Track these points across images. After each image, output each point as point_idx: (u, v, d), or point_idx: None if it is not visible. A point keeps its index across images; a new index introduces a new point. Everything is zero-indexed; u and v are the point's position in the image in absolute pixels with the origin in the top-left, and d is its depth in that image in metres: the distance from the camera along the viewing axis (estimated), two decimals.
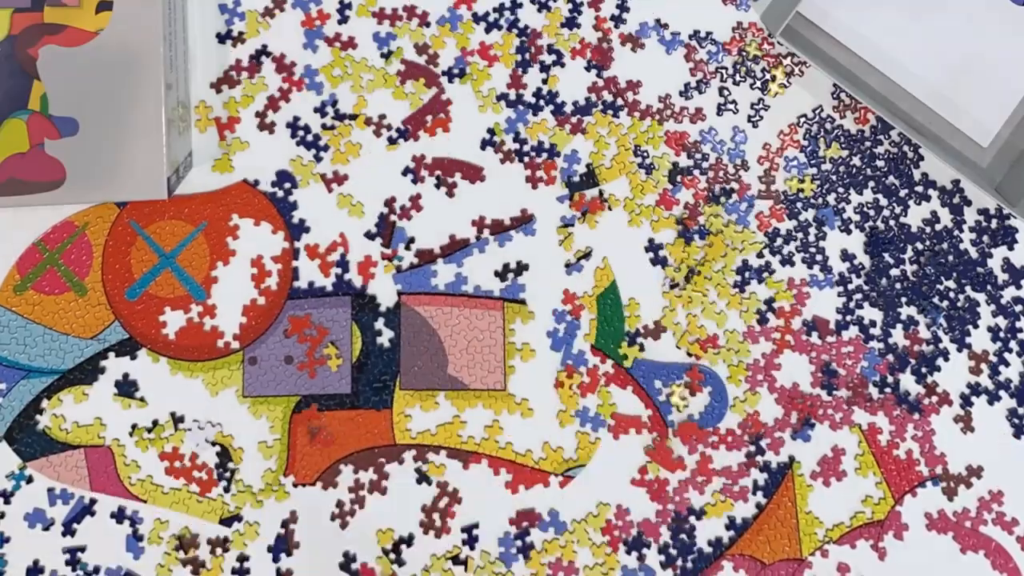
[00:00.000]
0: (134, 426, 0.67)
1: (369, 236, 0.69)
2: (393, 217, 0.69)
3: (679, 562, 0.68)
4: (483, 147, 0.70)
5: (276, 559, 0.66)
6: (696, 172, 0.71)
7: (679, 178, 0.71)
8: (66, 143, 0.61)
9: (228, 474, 0.67)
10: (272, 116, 0.70)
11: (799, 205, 0.71)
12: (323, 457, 0.67)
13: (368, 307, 0.69)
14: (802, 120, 0.71)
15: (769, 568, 0.68)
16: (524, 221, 0.70)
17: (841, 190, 0.71)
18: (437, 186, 0.70)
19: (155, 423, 0.67)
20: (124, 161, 0.61)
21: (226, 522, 0.67)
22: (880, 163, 0.71)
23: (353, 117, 0.70)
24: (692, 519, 0.68)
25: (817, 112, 0.71)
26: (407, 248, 0.69)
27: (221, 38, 0.70)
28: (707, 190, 0.71)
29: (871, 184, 0.71)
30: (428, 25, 0.71)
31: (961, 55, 0.70)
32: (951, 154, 0.69)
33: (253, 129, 0.70)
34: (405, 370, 0.68)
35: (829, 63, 0.70)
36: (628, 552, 0.68)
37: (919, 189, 0.71)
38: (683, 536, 0.68)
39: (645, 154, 0.71)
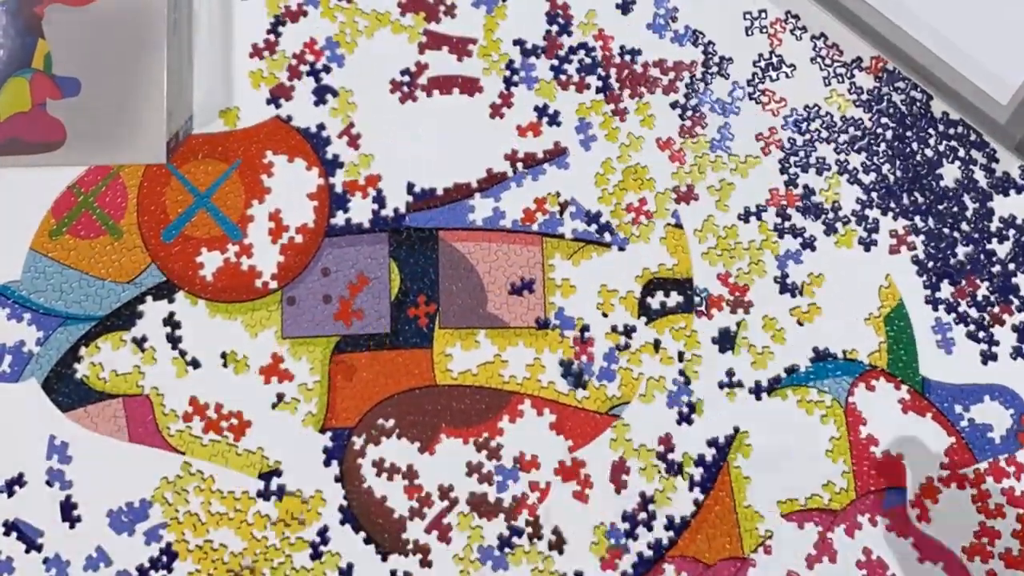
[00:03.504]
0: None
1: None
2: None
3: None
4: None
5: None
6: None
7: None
8: (68, 103, 0.61)
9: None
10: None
11: None
12: (364, 399, 0.66)
13: (405, 244, 0.68)
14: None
15: (712, 569, 0.66)
16: (557, 154, 0.69)
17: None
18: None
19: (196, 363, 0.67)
20: (124, 124, 0.61)
21: (265, 476, 0.66)
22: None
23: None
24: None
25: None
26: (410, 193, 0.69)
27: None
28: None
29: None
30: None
31: (979, 7, 0.68)
32: (969, 110, 0.68)
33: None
34: (444, 308, 0.67)
35: (839, 10, 0.69)
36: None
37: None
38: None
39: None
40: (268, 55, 0.69)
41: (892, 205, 0.69)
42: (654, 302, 0.68)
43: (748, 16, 0.71)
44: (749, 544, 0.66)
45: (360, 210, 0.68)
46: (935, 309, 0.68)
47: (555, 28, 0.70)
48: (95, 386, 0.66)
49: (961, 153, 0.69)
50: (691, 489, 0.66)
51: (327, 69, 0.69)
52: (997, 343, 0.68)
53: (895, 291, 0.68)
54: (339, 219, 0.68)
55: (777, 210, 0.69)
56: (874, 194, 0.69)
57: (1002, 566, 0.66)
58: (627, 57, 0.70)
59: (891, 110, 0.70)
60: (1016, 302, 0.68)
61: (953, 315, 0.68)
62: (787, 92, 0.70)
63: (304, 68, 0.69)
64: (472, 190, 0.69)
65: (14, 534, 0.65)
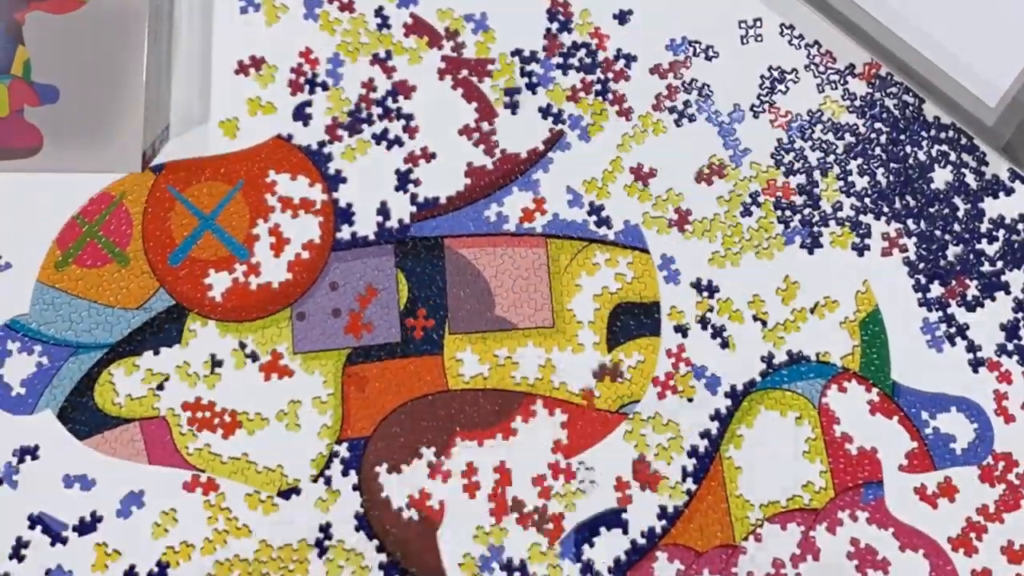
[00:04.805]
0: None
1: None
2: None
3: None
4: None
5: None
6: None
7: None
8: (46, 110, 0.62)
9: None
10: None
11: None
12: (378, 408, 0.67)
13: (411, 253, 0.68)
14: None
15: (703, 556, 0.67)
16: (555, 139, 0.70)
17: None
18: None
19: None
20: (101, 132, 0.62)
21: (284, 494, 0.66)
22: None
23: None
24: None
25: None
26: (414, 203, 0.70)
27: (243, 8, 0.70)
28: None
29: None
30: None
31: (967, 11, 0.69)
32: (958, 112, 0.69)
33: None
34: (453, 313, 0.68)
35: (830, 13, 0.69)
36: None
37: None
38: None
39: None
40: (254, 71, 0.69)
41: (885, 208, 0.70)
42: (621, 326, 0.69)
43: (743, 25, 0.71)
44: (740, 532, 0.67)
45: (365, 223, 0.69)
46: (929, 310, 0.69)
47: (555, 25, 0.71)
48: (111, 412, 0.66)
49: (952, 157, 0.70)
50: (684, 479, 0.67)
51: (324, 86, 0.70)
52: (979, 348, 0.69)
53: (871, 296, 0.69)
54: (344, 233, 0.68)
55: (775, 201, 0.70)
56: (867, 200, 0.70)
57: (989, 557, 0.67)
58: (622, 61, 0.70)
59: (884, 115, 0.70)
60: (999, 295, 0.70)
61: (940, 314, 0.69)
62: (782, 100, 0.71)
63: (302, 80, 0.70)
64: (475, 196, 0.69)
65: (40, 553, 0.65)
